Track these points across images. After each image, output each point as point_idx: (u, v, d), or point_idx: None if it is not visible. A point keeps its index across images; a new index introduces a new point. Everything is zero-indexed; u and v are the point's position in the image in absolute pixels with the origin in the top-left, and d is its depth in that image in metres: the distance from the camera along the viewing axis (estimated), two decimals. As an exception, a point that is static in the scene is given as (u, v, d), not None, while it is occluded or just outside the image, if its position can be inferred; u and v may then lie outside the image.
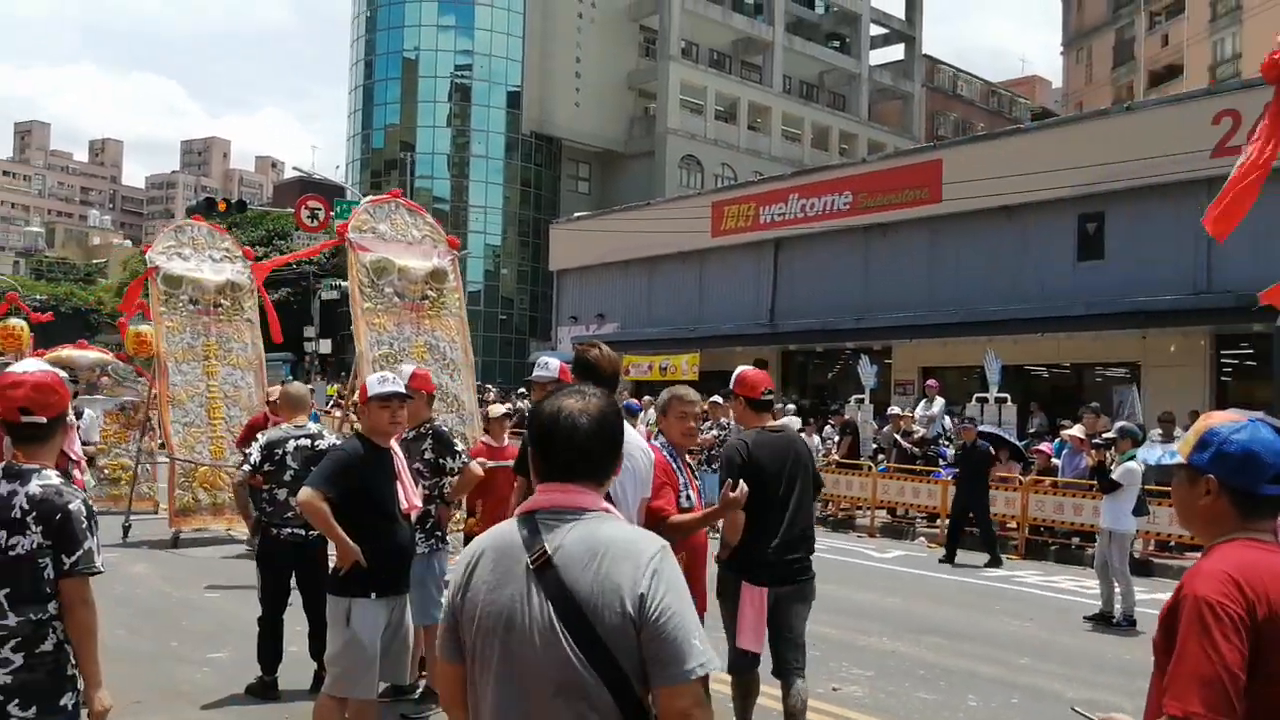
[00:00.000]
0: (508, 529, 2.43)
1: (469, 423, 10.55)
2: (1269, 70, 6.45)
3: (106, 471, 16.12)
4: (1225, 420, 2.56)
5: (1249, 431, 2.50)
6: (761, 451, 5.74)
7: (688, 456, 5.61)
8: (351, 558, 5.32)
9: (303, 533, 6.88)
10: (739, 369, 6.25)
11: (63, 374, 3.89)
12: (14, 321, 16.72)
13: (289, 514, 6.88)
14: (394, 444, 5.79)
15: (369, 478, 5.47)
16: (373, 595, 5.40)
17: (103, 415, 16.23)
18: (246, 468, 7.03)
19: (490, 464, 7.57)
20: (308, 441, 7.07)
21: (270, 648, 7.08)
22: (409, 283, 10.68)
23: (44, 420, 3.63)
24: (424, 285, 10.77)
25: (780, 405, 22.75)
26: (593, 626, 2.24)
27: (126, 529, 13.51)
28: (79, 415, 12.04)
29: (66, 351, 16.63)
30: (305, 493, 5.36)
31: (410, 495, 5.75)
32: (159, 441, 16.86)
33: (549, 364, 6.05)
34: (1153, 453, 11.78)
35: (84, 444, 10.34)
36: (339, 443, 5.81)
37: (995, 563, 14.04)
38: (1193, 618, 2.29)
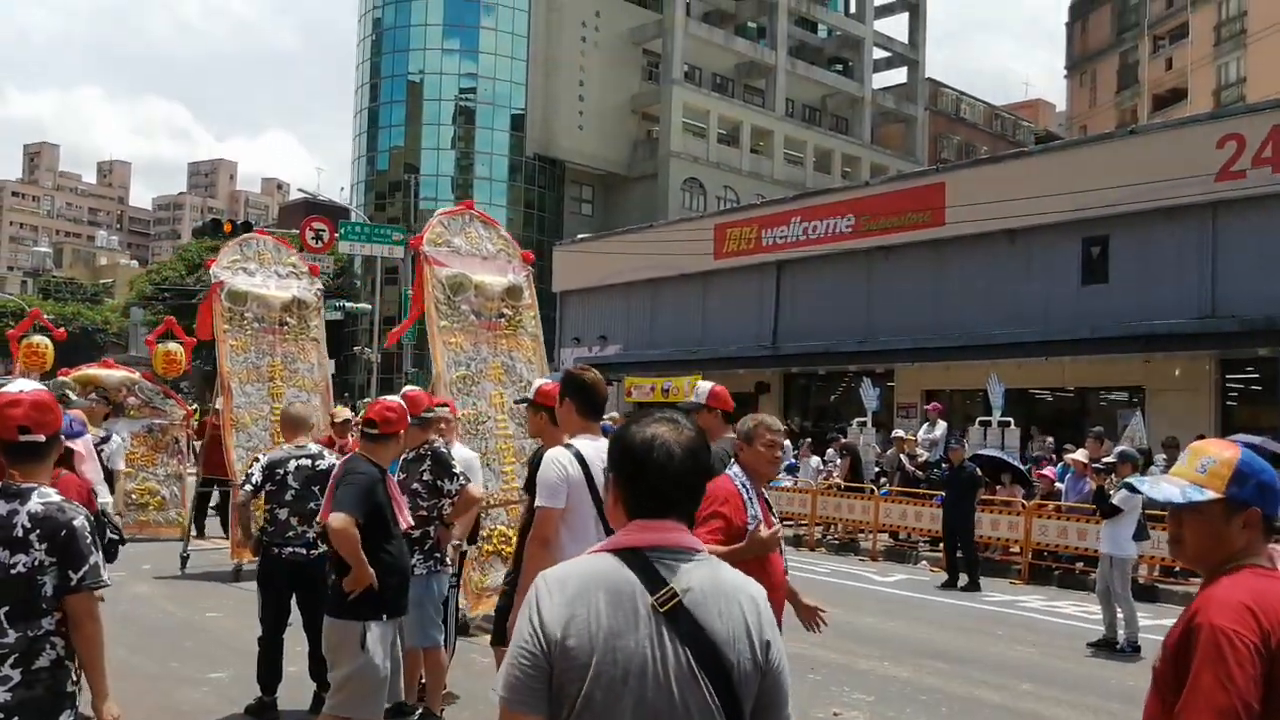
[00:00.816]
0: (605, 565, 2.24)
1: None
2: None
3: (134, 496, 15.60)
4: (1240, 452, 2.53)
5: (1264, 461, 2.52)
6: None
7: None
8: (366, 582, 5.32)
9: (304, 552, 6.87)
10: (710, 385, 6.51)
11: (61, 397, 3.89)
12: (38, 339, 16.20)
13: (290, 534, 6.88)
14: None
15: (384, 500, 5.51)
16: (384, 617, 5.42)
17: (129, 437, 15.40)
18: (248, 488, 7.03)
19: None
20: (309, 461, 7.05)
21: (270, 668, 7.06)
22: (485, 300, 10.15)
23: (42, 439, 3.65)
24: (500, 302, 10.24)
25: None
26: (729, 672, 2.16)
27: (185, 559, 12.78)
28: (105, 439, 11.23)
29: (93, 370, 15.82)
30: (340, 519, 5.31)
31: (405, 514, 5.76)
32: (189, 466, 16.73)
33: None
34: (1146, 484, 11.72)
35: (107, 471, 9.72)
36: (343, 462, 5.78)
37: (974, 586, 13.98)
38: (1209, 647, 2.27)
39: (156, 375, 17.87)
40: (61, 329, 17.94)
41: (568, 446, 5.01)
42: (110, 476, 10.33)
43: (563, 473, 4.89)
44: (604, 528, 4.89)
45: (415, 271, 10.82)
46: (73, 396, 10.95)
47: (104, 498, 8.07)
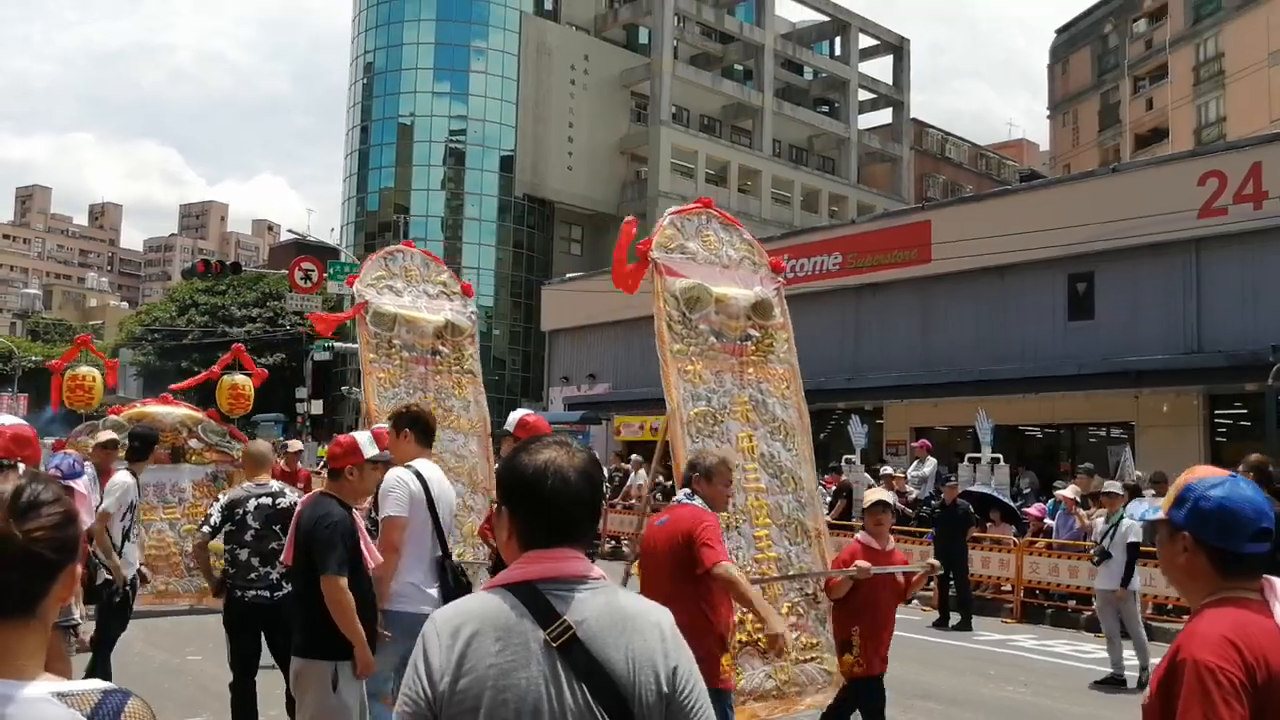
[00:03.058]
0: (495, 602, 2.15)
1: (808, 509, 7.87)
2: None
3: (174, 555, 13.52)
4: (1205, 475, 2.51)
5: (1227, 487, 2.45)
6: None
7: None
8: (367, 664, 5.22)
9: (267, 594, 6.73)
10: (522, 413, 6.85)
11: (108, 442, 3.86)
12: (85, 371, 14.16)
13: (251, 575, 6.73)
14: None
15: (354, 541, 5.39)
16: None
17: (191, 486, 13.70)
18: (206, 529, 6.91)
19: (872, 569, 6.39)
20: (269, 500, 6.90)
21: (244, 713, 6.92)
22: (728, 318, 8.09)
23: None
24: (746, 322, 8.19)
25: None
26: (628, 704, 2.08)
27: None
28: (73, 474, 8.02)
29: (149, 408, 13.61)
30: (335, 584, 5.14)
31: (373, 551, 5.66)
32: None
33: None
34: (1139, 509, 11.72)
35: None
36: (310, 503, 5.59)
37: (965, 625, 13.91)
38: (1193, 684, 2.23)
39: (221, 414, 15.67)
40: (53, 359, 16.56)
41: (408, 467, 5.80)
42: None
43: (408, 488, 5.68)
44: (439, 540, 5.80)
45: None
46: (117, 437, 10.26)
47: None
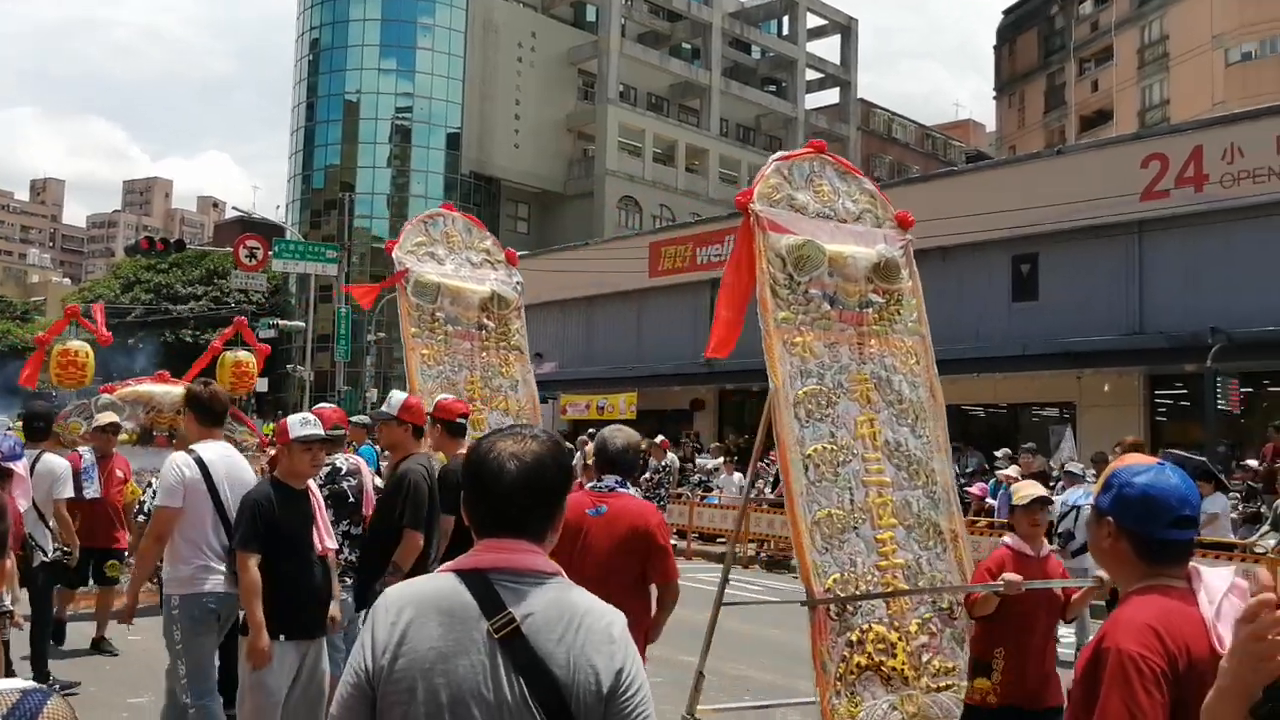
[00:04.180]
0: (446, 587, 2.14)
1: (942, 507, 6.75)
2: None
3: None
4: (1132, 463, 2.52)
5: (1151, 475, 2.46)
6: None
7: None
8: (259, 648, 5.14)
9: None
10: (404, 396, 6.63)
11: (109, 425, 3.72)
12: (75, 345, 12.51)
13: None
14: (311, 484, 5.65)
15: (281, 519, 5.31)
16: (282, 638, 5.25)
17: None
18: (142, 518, 6.83)
19: (1024, 583, 5.19)
20: None
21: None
22: (845, 280, 6.87)
23: None
24: (866, 285, 6.97)
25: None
26: (566, 703, 2.06)
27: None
28: (12, 456, 6.78)
29: (145, 386, 12.20)
30: (239, 560, 5.22)
31: (325, 537, 5.59)
32: None
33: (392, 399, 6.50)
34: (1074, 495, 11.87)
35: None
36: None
37: None
38: (1115, 671, 2.23)
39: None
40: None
41: (190, 452, 5.71)
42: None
43: (180, 475, 5.58)
44: (224, 528, 5.63)
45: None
46: (118, 419, 10.06)
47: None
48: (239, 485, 5.71)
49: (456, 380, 9.54)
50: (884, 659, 5.98)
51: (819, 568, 6.11)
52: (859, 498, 6.35)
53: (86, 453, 9.22)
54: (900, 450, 6.64)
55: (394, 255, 9.83)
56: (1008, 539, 5.58)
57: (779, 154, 7.18)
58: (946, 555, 6.60)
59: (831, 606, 6.01)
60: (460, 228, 10.42)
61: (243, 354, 13.58)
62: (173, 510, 5.56)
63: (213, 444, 5.84)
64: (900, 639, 6.13)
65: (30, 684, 1.67)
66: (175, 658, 5.63)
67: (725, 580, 7.03)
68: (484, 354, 9.95)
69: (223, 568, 5.59)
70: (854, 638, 5.85)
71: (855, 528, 6.31)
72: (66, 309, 13.94)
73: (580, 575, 3.72)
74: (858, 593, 6.15)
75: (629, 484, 5.11)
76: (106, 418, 9.59)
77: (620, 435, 5.20)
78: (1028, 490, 5.56)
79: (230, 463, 5.85)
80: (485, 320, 10.04)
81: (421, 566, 5.82)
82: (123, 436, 10.55)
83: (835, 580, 6.12)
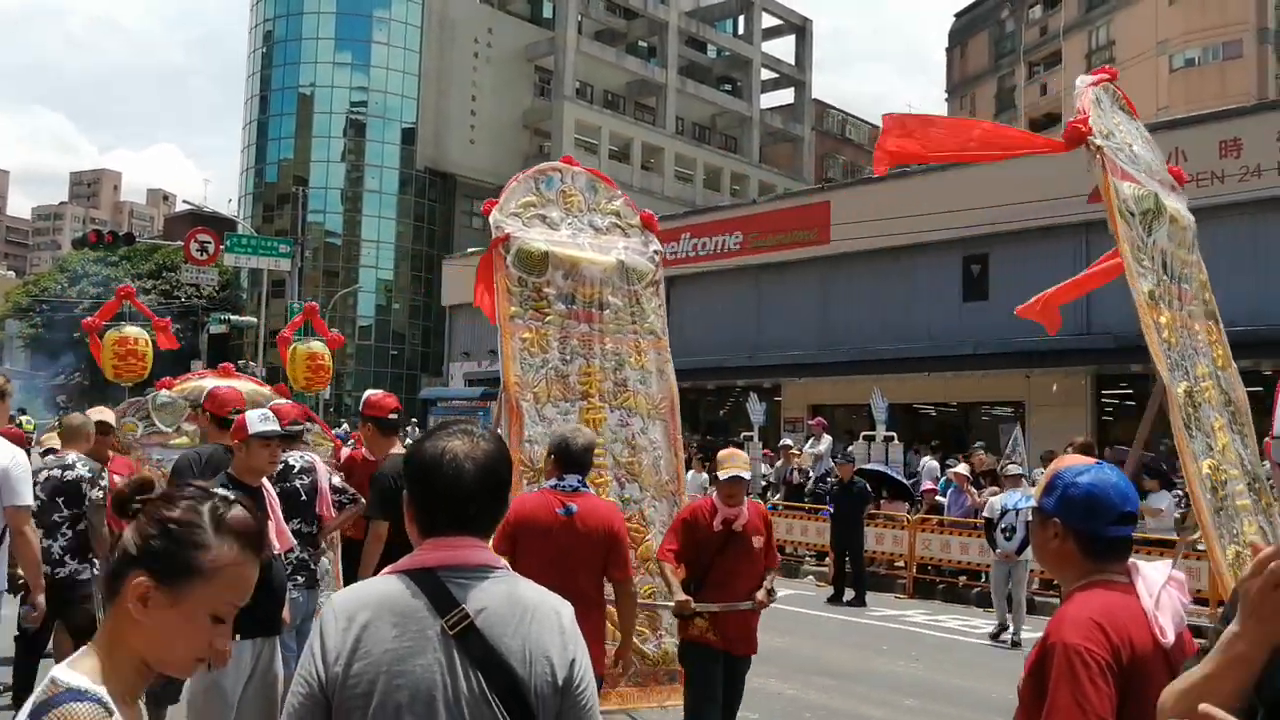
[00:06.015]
0: (396, 588, 2.14)
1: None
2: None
3: None
4: (1073, 463, 2.59)
5: (1093, 474, 2.54)
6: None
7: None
8: (222, 661, 5.07)
9: (48, 569, 6.41)
10: (212, 385, 6.72)
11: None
12: (132, 331, 10.99)
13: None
14: (265, 481, 5.60)
15: None
16: (238, 636, 5.20)
17: None
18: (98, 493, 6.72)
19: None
20: (59, 472, 6.71)
21: (25, 687, 6.64)
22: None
23: None
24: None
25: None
26: (524, 695, 2.08)
27: None
28: None
29: (207, 381, 9.88)
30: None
31: (282, 534, 5.54)
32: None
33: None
34: (1012, 497, 12.07)
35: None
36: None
37: (859, 601, 14.16)
38: (1062, 666, 2.29)
39: (292, 390, 11.33)
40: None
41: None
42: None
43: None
44: None
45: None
46: (181, 427, 9.16)
47: None
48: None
49: (567, 371, 7.65)
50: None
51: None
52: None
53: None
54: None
55: (491, 218, 7.77)
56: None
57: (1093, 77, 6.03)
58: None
59: None
60: (583, 185, 8.34)
61: (316, 345, 11.83)
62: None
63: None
64: None
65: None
66: None
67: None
68: (606, 340, 7.92)
69: None
70: None
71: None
72: (119, 290, 12.25)
73: (551, 573, 3.82)
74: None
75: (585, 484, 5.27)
76: (99, 414, 8.13)
77: (581, 435, 5.33)
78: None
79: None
80: (609, 297, 8.00)
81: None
82: (183, 440, 9.16)
83: None
